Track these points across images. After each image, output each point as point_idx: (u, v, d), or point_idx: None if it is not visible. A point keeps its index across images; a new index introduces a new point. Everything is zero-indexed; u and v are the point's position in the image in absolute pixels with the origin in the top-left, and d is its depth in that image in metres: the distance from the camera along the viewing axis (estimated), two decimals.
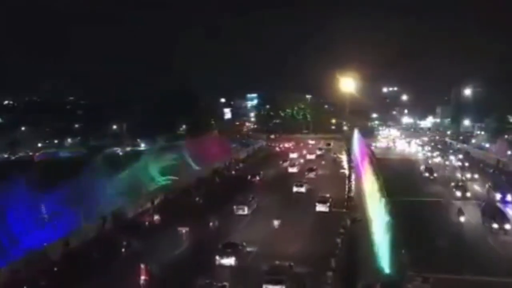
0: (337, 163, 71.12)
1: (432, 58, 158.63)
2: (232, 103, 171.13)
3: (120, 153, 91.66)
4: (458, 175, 57.32)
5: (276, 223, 34.77)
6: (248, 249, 29.26)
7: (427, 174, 56.62)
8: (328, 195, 42.31)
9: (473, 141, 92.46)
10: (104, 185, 41.65)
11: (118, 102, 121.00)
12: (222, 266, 26.87)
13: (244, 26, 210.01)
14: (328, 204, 40.11)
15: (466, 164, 64.90)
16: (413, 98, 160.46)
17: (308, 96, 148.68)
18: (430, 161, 72.58)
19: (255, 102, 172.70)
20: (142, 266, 25.70)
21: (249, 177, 56.31)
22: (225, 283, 23.50)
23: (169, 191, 45.59)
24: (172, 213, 37.65)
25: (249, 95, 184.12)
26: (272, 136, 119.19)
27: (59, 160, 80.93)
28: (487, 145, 76.91)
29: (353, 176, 53.15)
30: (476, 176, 55.43)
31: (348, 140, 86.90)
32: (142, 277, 25.37)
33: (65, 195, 36.00)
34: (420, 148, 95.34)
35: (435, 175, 56.36)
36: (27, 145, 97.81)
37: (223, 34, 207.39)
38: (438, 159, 74.04)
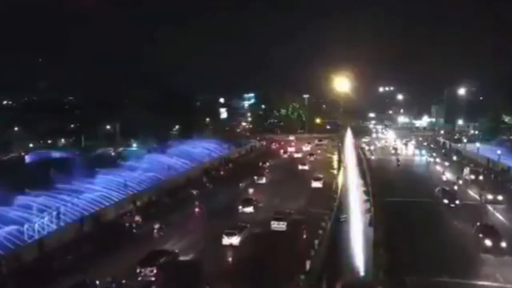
0: (328, 163, 71.38)
1: (428, 57, 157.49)
2: (229, 103, 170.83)
3: (112, 154, 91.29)
4: (475, 195, 45.21)
5: (251, 190, 48.16)
6: (260, 204, 41.76)
7: (446, 201, 41.21)
8: (321, 176, 54.29)
9: (465, 140, 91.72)
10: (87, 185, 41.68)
11: (113, 102, 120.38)
12: (243, 213, 39.73)
13: (242, 25, 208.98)
14: (321, 181, 52.03)
15: (481, 177, 51.04)
16: (409, 98, 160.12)
17: (305, 96, 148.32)
18: (436, 167, 61.88)
19: (252, 101, 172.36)
20: (197, 203, 41.83)
21: (260, 163, 68.69)
22: (248, 224, 34.06)
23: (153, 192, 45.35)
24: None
25: (246, 95, 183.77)
26: (245, 134, 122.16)
27: (49, 161, 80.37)
28: (478, 144, 76.12)
29: (341, 176, 53.10)
30: (500, 197, 41.72)
31: (341, 140, 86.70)
32: (196, 209, 40.89)
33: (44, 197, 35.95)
34: (417, 151, 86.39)
35: (457, 202, 40.84)
36: (20, 145, 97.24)
37: (221, 33, 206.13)
38: (447, 175, 56.35)
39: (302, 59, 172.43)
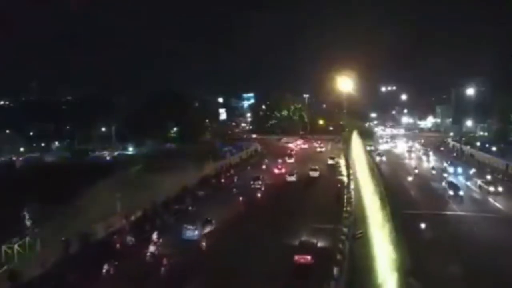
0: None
1: (431, 56, 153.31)
2: (228, 103, 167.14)
3: (108, 158, 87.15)
4: None
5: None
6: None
7: None
8: (333, 156, 74.49)
9: (478, 143, 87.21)
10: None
11: (110, 103, 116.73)
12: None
13: (241, 25, 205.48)
14: (335, 160, 71.80)
15: None
16: (412, 98, 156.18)
17: (306, 96, 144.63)
18: None
19: (252, 101, 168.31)
20: (266, 160, 71.91)
21: (288, 151, 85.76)
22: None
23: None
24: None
25: (245, 95, 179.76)
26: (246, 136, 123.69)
27: (41, 166, 76.16)
28: (494, 148, 71.41)
29: (352, 185, 49.17)
30: None
31: (347, 143, 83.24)
32: (270, 166, 67.38)
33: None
34: (451, 168, 61.02)
35: None
36: (12, 149, 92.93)
37: (221, 33, 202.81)
38: None
39: (303, 59, 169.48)
